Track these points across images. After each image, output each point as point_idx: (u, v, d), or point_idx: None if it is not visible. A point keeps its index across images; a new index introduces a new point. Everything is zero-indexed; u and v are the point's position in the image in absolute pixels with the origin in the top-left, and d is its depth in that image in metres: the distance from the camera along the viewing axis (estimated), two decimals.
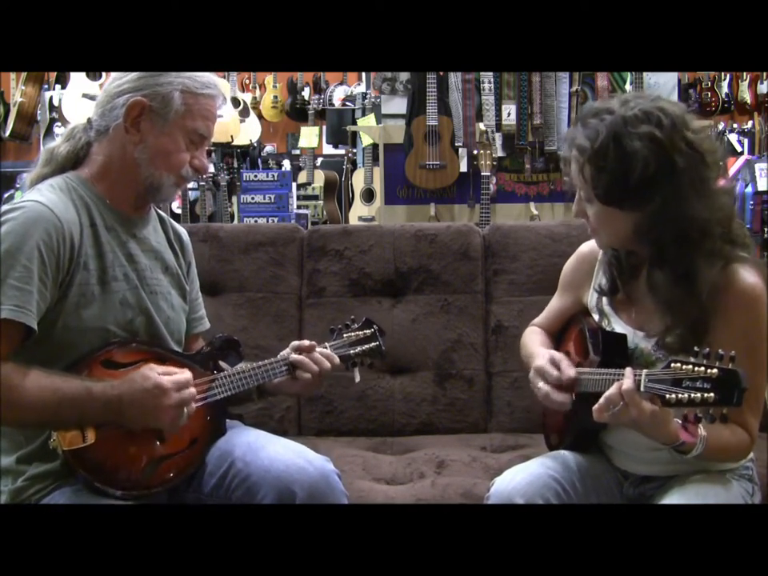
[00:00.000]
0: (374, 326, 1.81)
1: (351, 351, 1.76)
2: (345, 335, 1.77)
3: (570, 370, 1.55)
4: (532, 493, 1.49)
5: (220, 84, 1.64)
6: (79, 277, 1.50)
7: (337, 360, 1.70)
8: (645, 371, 1.31)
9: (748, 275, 1.47)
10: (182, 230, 1.79)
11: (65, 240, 1.47)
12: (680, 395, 1.22)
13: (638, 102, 1.47)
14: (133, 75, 1.56)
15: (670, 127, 1.43)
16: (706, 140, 1.47)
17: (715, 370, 1.20)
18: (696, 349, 1.25)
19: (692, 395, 1.21)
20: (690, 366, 1.23)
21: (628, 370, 1.35)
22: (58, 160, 1.61)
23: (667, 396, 1.24)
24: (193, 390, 1.48)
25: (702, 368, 1.21)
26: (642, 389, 1.30)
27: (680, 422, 1.35)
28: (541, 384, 1.57)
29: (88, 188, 1.57)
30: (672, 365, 1.25)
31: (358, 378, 1.81)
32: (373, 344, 1.79)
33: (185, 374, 1.48)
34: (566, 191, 1.67)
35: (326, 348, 1.72)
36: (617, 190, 1.45)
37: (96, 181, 1.59)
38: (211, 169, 5.35)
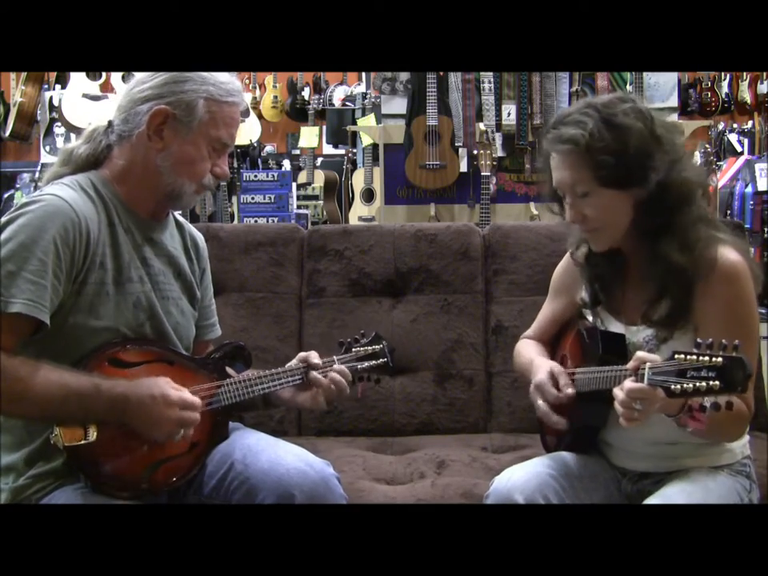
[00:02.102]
0: (384, 342, 1.79)
1: (359, 366, 1.73)
2: (353, 350, 1.75)
3: (568, 389, 1.56)
4: (530, 490, 1.49)
5: (243, 91, 1.63)
6: (95, 275, 1.50)
7: (350, 378, 1.69)
8: (648, 364, 1.32)
9: (730, 253, 1.52)
10: (199, 236, 1.79)
11: (81, 235, 1.47)
12: (685, 385, 1.23)
13: (602, 95, 1.59)
14: (157, 81, 1.54)
15: (640, 104, 1.54)
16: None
17: (720, 359, 1.21)
18: (699, 341, 1.26)
19: (697, 384, 1.22)
20: (694, 357, 1.24)
21: (629, 381, 1.35)
22: (77, 161, 1.60)
23: (672, 387, 1.25)
24: (197, 415, 1.48)
25: (706, 357, 1.22)
26: (645, 382, 1.31)
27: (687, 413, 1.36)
28: (540, 402, 1.59)
29: (108, 188, 1.57)
30: (676, 356, 1.26)
31: (359, 395, 1.80)
32: (381, 360, 1.77)
33: (195, 398, 1.48)
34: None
35: (333, 362, 1.69)
36: (620, 167, 1.48)
37: (116, 183, 1.58)
38: None
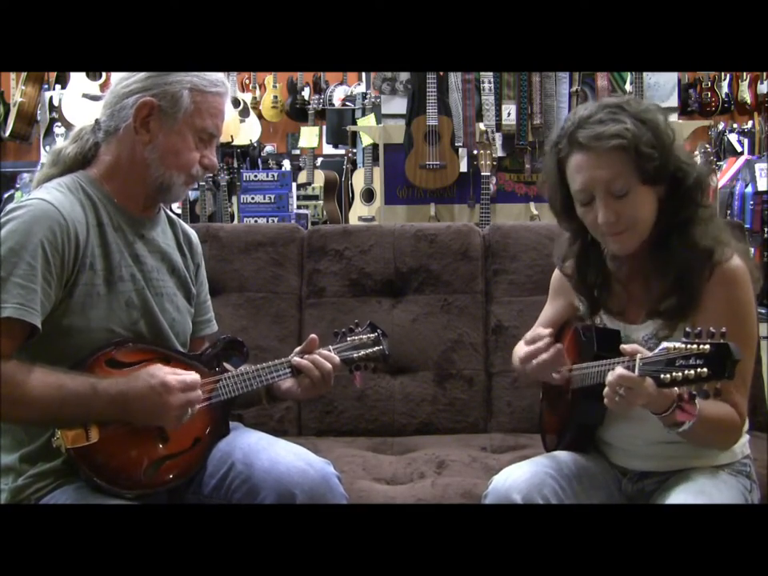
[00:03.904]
0: (378, 330, 1.80)
1: (354, 355, 1.74)
2: (348, 339, 1.76)
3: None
4: (529, 490, 1.49)
5: (227, 82, 1.64)
6: (85, 276, 1.50)
7: (337, 360, 1.69)
8: (639, 356, 1.34)
9: (731, 257, 1.53)
10: (192, 232, 1.79)
11: (69, 239, 1.47)
12: (674, 374, 1.25)
13: (610, 98, 1.62)
14: (141, 75, 1.55)
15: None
16: None
17: (707, 346, 1.23)
18: (687, 330, 1.28)
19: (685, 372, 1.24)
20: (682, 346, 1.26)
21: (619, 369, 1.37)
22: (65, 161, 1.60)
23: (662, 376, 1.27)
24: (199, 392, 1.48)
25: (694, 345, 1.24)
26: (636, 372, 1.33)
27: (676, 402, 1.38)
28: (533, 361, 1.59)
29: (96, 187, 1.57)
30: (665, 345, 1.29)
31: (358, 384, 1.81)
32: (376, 348, 1.78)
33: (192, 376, 1.48)
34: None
35: (328, 350, 1.71)
36: (660, 163, 1.50)
37: (105, 181, 1.58)
38: None
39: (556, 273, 1.81)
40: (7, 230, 1.43)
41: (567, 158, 1.54)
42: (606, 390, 1.38)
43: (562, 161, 1.56)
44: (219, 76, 1.60)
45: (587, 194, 1.52)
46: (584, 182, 1.51)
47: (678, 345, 1.26)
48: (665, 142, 1.51)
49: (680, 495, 1.48)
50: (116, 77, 1.61)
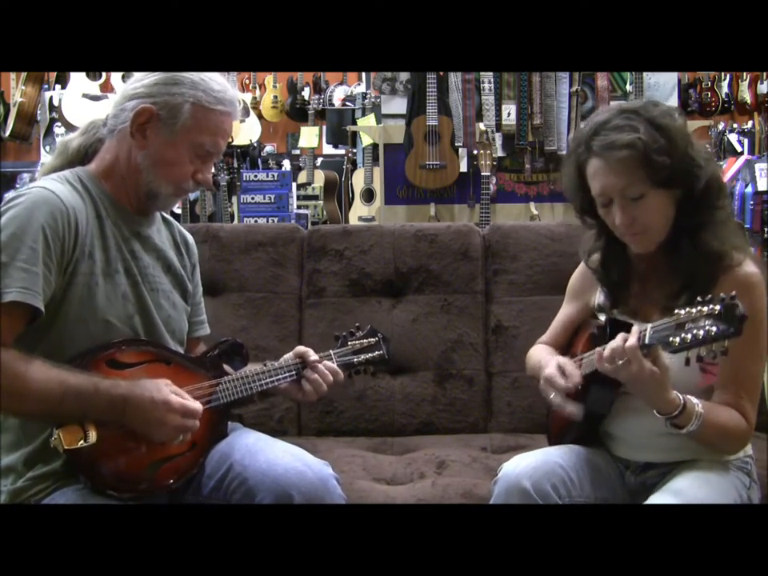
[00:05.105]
0: (379, 335, 1.81)
1: (355, 359, 1.76)
2: (349, 343, 1.76)
3: (576, 376, 1.58)
4: (538, 477, 1.51)
5: (237, 100, 1.61)
6: (84, 265, 1.50)
7: (341, 376, 1.71)
8: (650, 325, 1.38)
9: (746, 264, 1.55)
10: (188, 234, 1.80)
11: (70, 225, 1.47)
12: (683, 335, 1.29)
13: (630, 102, 1.62)
14: (150, 80, 1.55)
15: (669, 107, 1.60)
16: None
17: (717, 306, 1.27)
18: (699, 299, 1.31)
19: (695, 332, 1.27)
20: (693, 310, 1.29)
21: (634, 329, 1.41)
22: (68, 153, 1.62)
23: (671, 339, 1.30)
24: (196, 423, 1.48)
25: (705, 308, 1.28)
26: (647, 341, 1.37)
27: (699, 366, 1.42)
28: (552, 395, 1.60)
29: (94, 183, 1.58)
30: (675, 312, 1.33)
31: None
32: (377, 352, 1.79)
33: (196, 405, 1.48)
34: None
35: (331, 358, 1.72)
36: (675, 167, 1.51)
37: (102, 177, 1.59)
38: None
39: (574, 275, 1.83)
40: (8, 217, 1.44)
41: (585, 163, 1.58)
42: (607, 351, 1.41)
43: (581, 165, 1.60)
44: (228, 95, 1.58)
45: (605, 198, 1.57)
46: (601, 187, 1.56)
47: (688, 309, 1.30)
48: (678, 146, 1.52)
49: (674, 486, 1.50)
50: (130, 76, 1.61)
